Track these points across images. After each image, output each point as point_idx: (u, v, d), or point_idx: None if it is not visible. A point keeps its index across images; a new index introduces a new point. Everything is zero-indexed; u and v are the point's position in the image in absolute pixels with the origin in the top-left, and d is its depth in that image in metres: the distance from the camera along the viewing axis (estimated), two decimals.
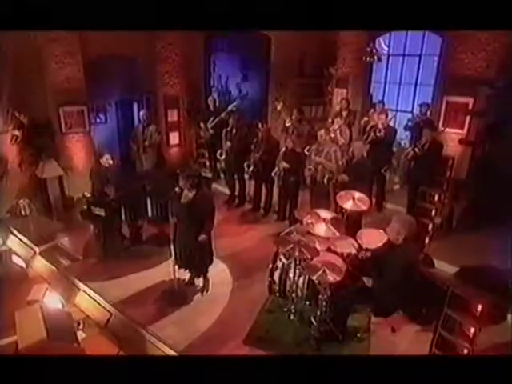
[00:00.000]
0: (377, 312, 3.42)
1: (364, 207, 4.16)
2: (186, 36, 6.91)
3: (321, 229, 3.79)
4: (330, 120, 6.89)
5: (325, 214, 4.04)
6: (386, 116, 5.91)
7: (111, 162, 5.07)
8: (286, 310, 3.82)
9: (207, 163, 7.42)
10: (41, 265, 5.11)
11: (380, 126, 5.70)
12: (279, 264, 3.88)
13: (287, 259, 3.66)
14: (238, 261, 4.82)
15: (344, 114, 6.81)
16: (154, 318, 3.90)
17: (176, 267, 4.08)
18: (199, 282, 4.35)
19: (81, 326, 4.08)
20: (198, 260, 3.99)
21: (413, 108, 7.02)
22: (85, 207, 4.67)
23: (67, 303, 4.36)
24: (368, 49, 6.07)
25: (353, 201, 4.13)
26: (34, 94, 5.76)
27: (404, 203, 6.03)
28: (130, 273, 4.61)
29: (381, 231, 4.28)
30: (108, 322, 4.10)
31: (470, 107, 6.09)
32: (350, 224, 4.29)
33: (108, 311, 4.18)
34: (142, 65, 6.88)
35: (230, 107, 6.66)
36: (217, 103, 7.07)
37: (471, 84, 6.03)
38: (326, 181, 4.85)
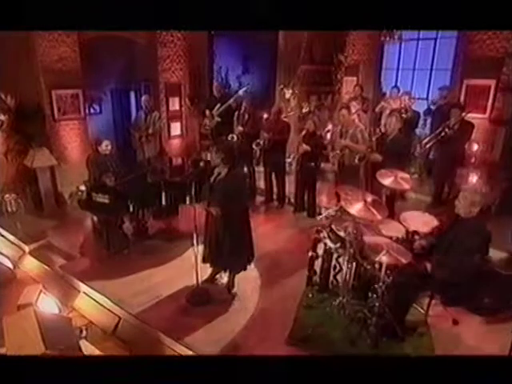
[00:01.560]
0: (447, 301, 2.93)
1: (406, 186, 3.71)
2: None
3: (358, 208, 3.30)
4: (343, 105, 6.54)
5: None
6: (410, 97, 5.56)
7: (110, 148, 4.50)
8: (328, 304, 3.30)
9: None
10: (32, 265, 4.44)
11: (404, 107, 5.34)
12: (320, 252, 3.37)
13: (335, 243, 3.14)
14: (260, 255, 4.28)
15: (358, 99, 6.46)
16: (175, 320, 3.31)
17: (199, 262, 3.49)
18: (222, 278, 3.78)
19: (83, 334, 3.45)
20: (230, 255, 3.40)
21: (428, 94, 6.70)
22: (84, 196, 4.05)
23: (65, 307, 3.73)
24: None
25: (395, 178, 3.68)
26: (22, 74, 5.12)
27: (425, 192, 5.68)
28: (139, 270, 4.02)
29: (426, 213, 3.88)
30: (117, 328, 3.48)
31: (493, 89, 5.81)
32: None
33: (116, 315, 3.57)
34: (141, 48, 6.35)
35: (240, 92, 6.18)
36: (222, 90, 6.60)
37: (493, 65, 5.74)
38: (357, 161, 4.39)
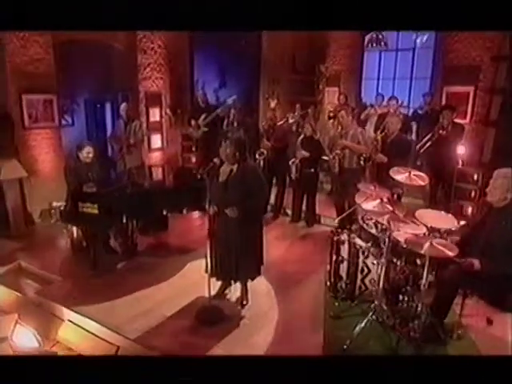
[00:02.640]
0: (490, 299, 2.73)
1: (422, 183, 3.58)
2: None
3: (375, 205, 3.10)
4: (330, 114, 6.52)
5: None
6: (397, 101, 5.62)
7: (92, 156, 4.03)
8: (358, 311, 3.01)
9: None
10: (1, 293, 3.75)
11: (392, 112, 5.37)
12: (344, 255, 3.10)
13: (366, 242, 2.89)
14: (267, 266, 3.93)
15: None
16: (185, 342, 2.84)
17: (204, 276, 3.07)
18: (233, 293, 3.38)
19: None
20: (245, 261, 3.03)
21: (409, 103, 6.86)
22: (68, 207, 3.52)
23: (46, 339, 3.12)
24: (374, 35, 5.81)
25: (408, 175, 3.54)
26: None
27: (417, 195, 5.67)
28: (133, 291, 3.50)
29: (442, 212, 3.75)
30: None
31: (472, 96, 6.04)
32: None
33: (112, 344, 3.02)
34: (120, 54, 5.96)
35: (229, 100, 5.96)
36: (208, 99, 6.36)
37: (471, 73, 6.00)
38: (362, 162, 4.24)
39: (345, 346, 2.64)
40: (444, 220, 3.51)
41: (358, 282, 3.07)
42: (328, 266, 3.64)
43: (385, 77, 7.17)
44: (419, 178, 3.57)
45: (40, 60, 4.79)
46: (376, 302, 2.82)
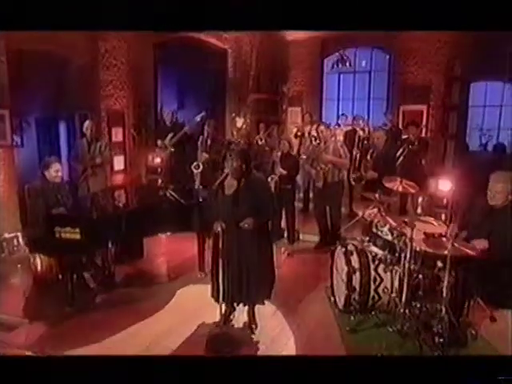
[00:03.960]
0: (493, 298, 2.82)
1: (412, 190, 3.72)
2: (134, 41, 5.91)
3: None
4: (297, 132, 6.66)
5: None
6: (363, 119, 5.92)
7: (61, 175, 3.59)
8: (373, 323, 2.94)
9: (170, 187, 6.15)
10: None
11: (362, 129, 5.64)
12: (356, 264, 3.04)
13: (383, 249, 2.85)
14: None
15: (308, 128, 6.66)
16: None
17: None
18: (237, 317, 3.10)
19: None
20: (258, 282, 2.82)
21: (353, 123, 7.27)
22: (40, 233, 3.01)
23: None
24: (339, 56, 6.12)
25: (400, 183, 3.66)
26: None
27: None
28: (123, 327, 3.05)
29: (431, 218, 3.90)
30: None
31: (425, 114, 6.62)
32: None
33: None
34: (80, 69, 5.51)
35: (197, 118, 5.77)
36: (174, 118, 6.12)
37: (423, 93, 6.59)
38: (353, 182, 4.30)
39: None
40: (432, 226, 3.67)
41: (372, 292, 3.00)
42: (330, 281, 3.58)
43: (344, 97, 7.56)
44: (410, 186, 3.74)
45: None
46: (399, 310, 2.77)
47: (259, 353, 2.73)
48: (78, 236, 2.91)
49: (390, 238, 2.88)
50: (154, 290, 3.74)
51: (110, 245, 3.15)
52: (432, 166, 5.42)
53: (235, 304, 3.02)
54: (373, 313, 2.97)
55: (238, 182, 2.76)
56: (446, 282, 2.53)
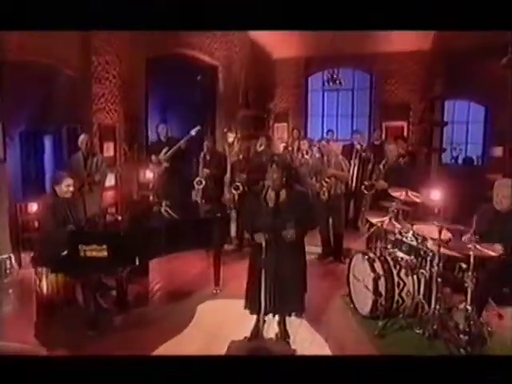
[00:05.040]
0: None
1: (417, 200, 3.97)
2: (126, 55, 5.84)
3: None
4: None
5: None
6: (360, 134, 6.18)
7: (72, 189, 3.45)
8: (398, 326, 3.07)
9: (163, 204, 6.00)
10: None
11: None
12: (380, 271, 3.17)
13: (409, 254, 3.01)
14: None
15: (297, 143, 6.89)
16: None
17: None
18: (268, 330, 3.09)
19: None
20: (295, 292, 2.88)
21: (351, 137, 7.64)
22: (62, 252, 2.84)
23: None
24: (329, 75, 6.43)
25: (406, 193, 3.89)
26: None
27: None
28: (152, 348, 2.89)
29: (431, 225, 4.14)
30: None
31: (406, 129, 7.09)
32: None
33: None
34: (71, 81, 5.33)
35: (192, 132, 5.74)
36: (169, 132, 6.05)
37: (403, 110, 7.08)
38: (364, 190, 4.49)
39: None
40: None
41: (396, 296, 3.13)
42: (347, 289, 3.69)
43: (329, 114, 7.90)
44: (415, 197, 3.99)
45: None
46: (424, 312, 2.92)
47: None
48: (104, 253, 2.78)
49: (414, 243, 3.05)
50: (170, 308, 3.63)
51: (137, 261, 3.01)
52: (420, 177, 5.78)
53: (269, 315, 3.01)
54: (400, 316, 3.08)
55: (278, 194, 2.80)
56: (470, 283, 2.72)
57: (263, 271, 2.69)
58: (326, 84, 6.72)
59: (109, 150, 5.90)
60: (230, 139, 6.88)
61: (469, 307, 2.77)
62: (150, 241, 3.05)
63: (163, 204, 5.44)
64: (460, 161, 7.86)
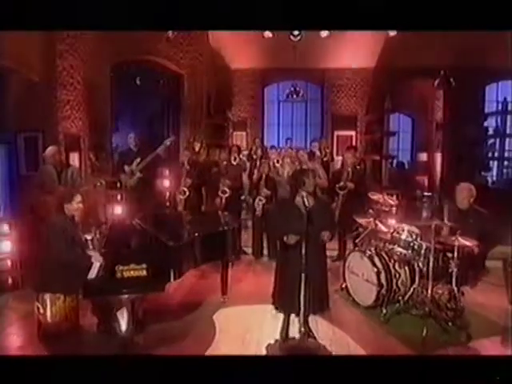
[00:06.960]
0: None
1: (393, 203, 4.62)
2: (90, 61, 5.51)
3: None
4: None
5: None
6: (319, 142, 6.77)
7: (82, 206, 3.29)
8: (395, 311, 3.61)
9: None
10: None
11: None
12: (379, 265, 3.68)
13: (406, 249, 3.55)
14: None
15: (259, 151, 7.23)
16: None
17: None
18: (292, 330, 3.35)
19: None
20: (321, 291, 3.16)
21: (306, 145, 8.27)
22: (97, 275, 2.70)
23: None
24: (292, 88, 6.90)
25: (382, 196, 4.51)
26: None
27: None
28: None
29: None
30: None
31: (354, 139, 7.96)
32: None
33: None
34: (33, 87, 4.86)
35: (167, 142, 5.66)
36: (138, 142, 5.86)
37: (351, 121, 7.94)
38: (338, 190, 5.00)
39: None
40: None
41: (394, 286, 3.67)
42: (344, 283, 4.14)
43: (284, 123, 8.42)
44: (391, 200, 4.65)
45: None
46: (419, 297, 3.50)
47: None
48: (144, 272, 2.73)
49: (410, 239, 3.61)
50: (184, 321, 3.62)
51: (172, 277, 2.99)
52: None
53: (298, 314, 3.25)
54: (401, 302, 3.61)
55: (307, 201, 3.07)
56: (455, 269, 3.37)
57: (303, 273, 2.93)
58: (289, 96, 7.20)
59: (74, 160, 5.51)
60: (196, 148, 6.93)
61: (454, 288, 3.41)
62: (183, 255, 3.07)
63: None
64: (394, 165, 9.11)
